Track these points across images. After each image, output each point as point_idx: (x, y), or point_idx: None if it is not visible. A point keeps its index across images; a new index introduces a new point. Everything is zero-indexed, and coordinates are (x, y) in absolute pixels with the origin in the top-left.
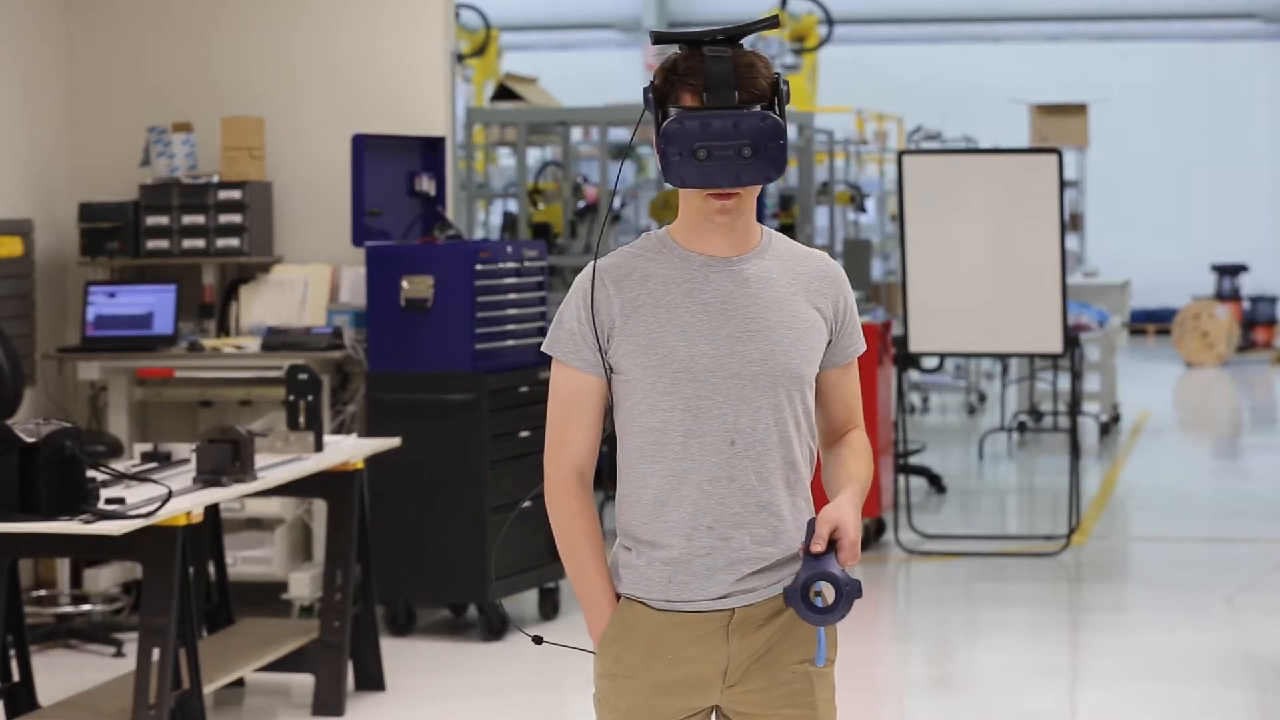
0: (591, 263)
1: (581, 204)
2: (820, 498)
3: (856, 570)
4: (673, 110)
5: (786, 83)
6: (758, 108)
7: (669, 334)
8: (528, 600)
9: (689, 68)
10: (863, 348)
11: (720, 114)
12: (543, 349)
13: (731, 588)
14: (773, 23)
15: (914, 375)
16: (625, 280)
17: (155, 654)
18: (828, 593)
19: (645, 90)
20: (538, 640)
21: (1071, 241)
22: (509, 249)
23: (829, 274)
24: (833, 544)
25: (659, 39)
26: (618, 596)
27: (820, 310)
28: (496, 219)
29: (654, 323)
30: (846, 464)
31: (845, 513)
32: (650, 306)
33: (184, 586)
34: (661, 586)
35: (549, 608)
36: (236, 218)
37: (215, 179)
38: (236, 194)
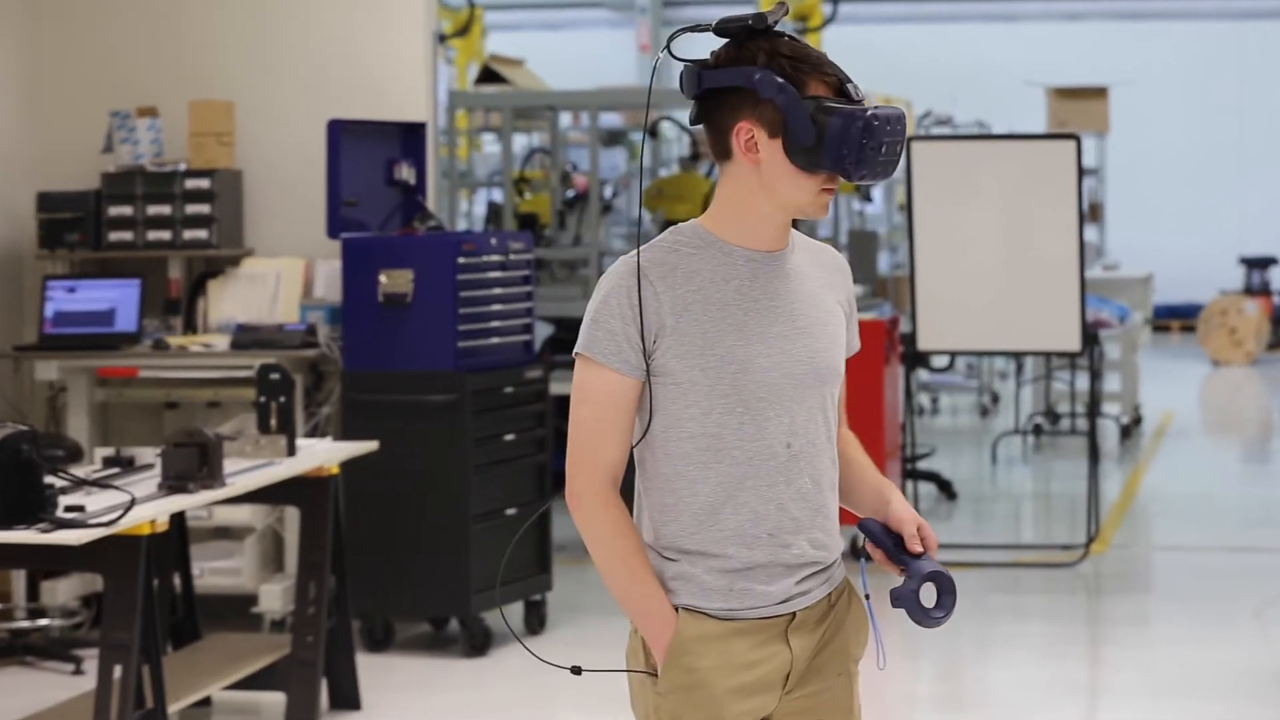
0: (628, 258)
1: (570, 193)
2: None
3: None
4: (815, 100)
5: None
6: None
7: (725, 333)
8: (512, 614)
9: (812, 57)
10: (858, 345)
11: (887, 109)
12: (579, 350)
13: (792, 591)
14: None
15: (923, 375)
16: (670, 276)
17: (117, 671)
18: (931, 593)
19: (763, 79)
20: (576, 670)
21: (1090, 233)
22: (493, 241)
23: (841, 266)
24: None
25: (723, 31)
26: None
27: (840, 304)
28: (480, 209)
29: (707, 321)
30: (865, 464)
31: (914, 512)
32: (701, 305)
33: (148, 600)
34: (722, 595)
35: (535, 621)
36: (204, 208)
37: (182, 167)
38: (204, 183)
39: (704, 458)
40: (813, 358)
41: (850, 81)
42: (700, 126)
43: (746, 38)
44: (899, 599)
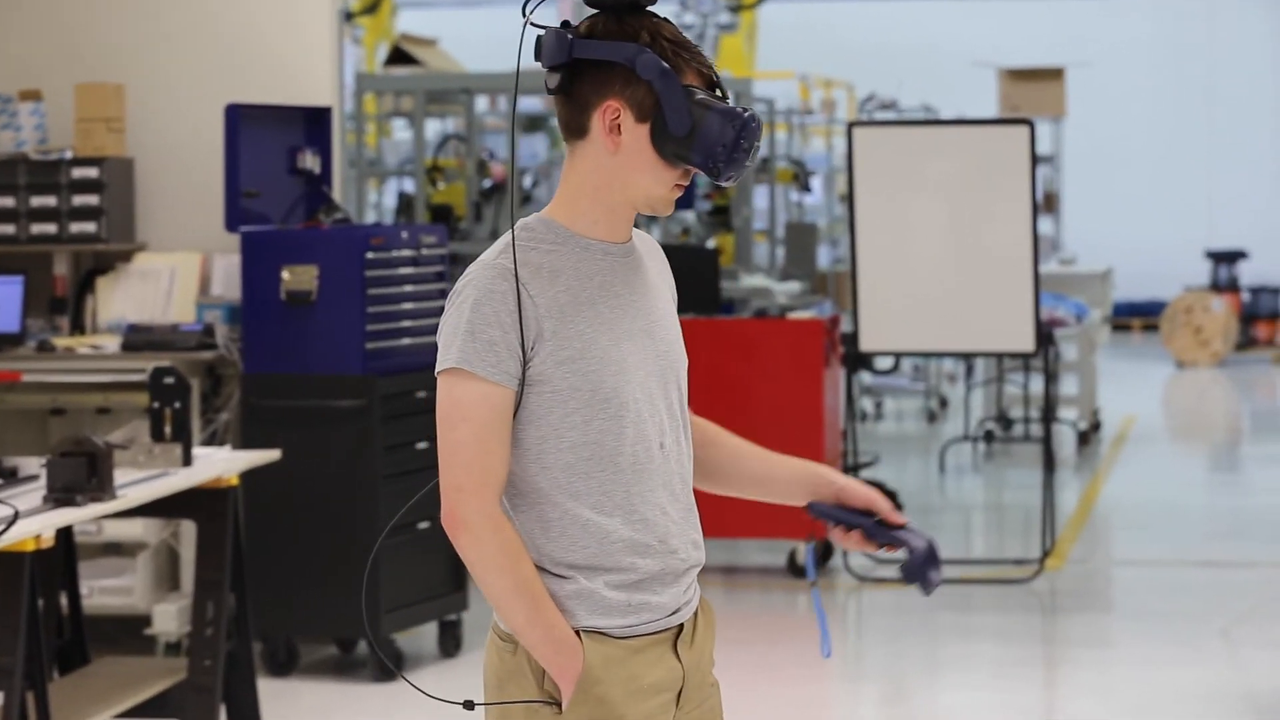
0: (490, 261)
1: (487, 183)
2: None
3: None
4: (693, 92)
5: None
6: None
7: (598, 334)
8: (426, 635)
9: (685, 43)
10: None
11: (750, 108)
12: (453, 365)
13: (680, 600)
14: None
15: (866, 378)
16: (538, 278)
17: None
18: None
19: (644, 59)
20: (469, 705)
21: (1045, 225)
22: (404, 234)
23: (663, 255)
24: (869, 514)
25: (595, 3)
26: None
27: (671, 293)
28: (391, 200)
29: (581, 323)
30: (766, 451)
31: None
32: (572, 305)
33: (32, 621)
34: (621, 612)
35: (450, 644)
36: (93, 199)
37: (68, 155)
38: (93, 172)
39: (587, 467)
40: (667, 351)
41: (719, 77)
42: (553, 96)
43: (627, 12)
44: (913, 571)
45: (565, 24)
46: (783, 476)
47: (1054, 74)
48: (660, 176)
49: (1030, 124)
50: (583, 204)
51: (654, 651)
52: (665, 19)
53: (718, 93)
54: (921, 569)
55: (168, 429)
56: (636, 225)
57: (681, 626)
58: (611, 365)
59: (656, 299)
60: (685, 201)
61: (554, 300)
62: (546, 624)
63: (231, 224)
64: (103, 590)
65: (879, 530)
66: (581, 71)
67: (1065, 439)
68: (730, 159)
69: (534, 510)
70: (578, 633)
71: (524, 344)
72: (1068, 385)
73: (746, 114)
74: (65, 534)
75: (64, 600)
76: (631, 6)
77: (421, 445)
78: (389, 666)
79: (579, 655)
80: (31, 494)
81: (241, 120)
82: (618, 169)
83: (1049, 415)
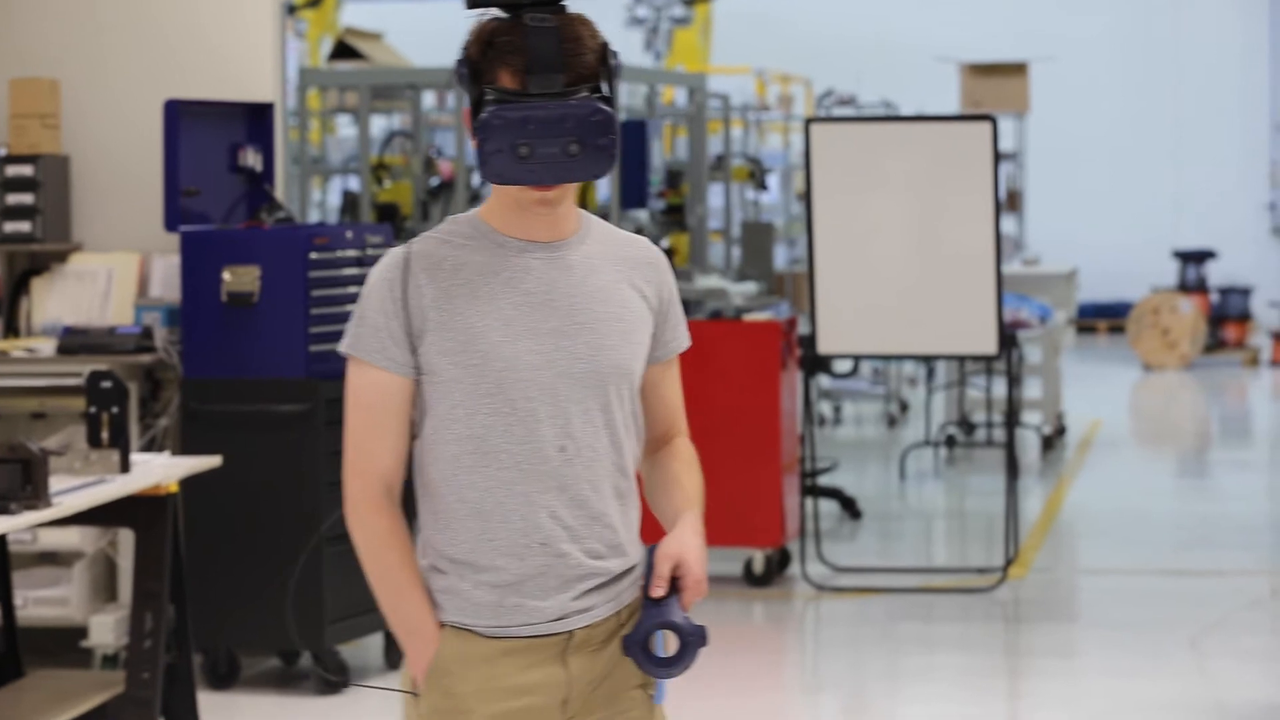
0: (394, 250)
1: (435, 181)
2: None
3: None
4: (489, 91)
5: (616, 54)
6: (585, 92)
7: (489, 329)
8: (371, 646)
9: (509, 42)
10: (686, 343)
11: (544, 105)
12: (341, 349)
13: (568, 607)
14: None
15: (824, 381)
16: (436, 269)
17: None
18: (670, 642)
19: (459, 63)
20: (347, 684)
21: (1008, 224)
22: (349, 234)
23: (652, 260)
24: (675, 582)
25: (475, 2)
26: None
27: (646, 299)
28: (335, 199)
29: (473, 316)
30: (680, 480)
31: (688, 545)
32: (466, 298)
33: None
34: (491, 611)
35: (396, 655)
36: (27, 198)
37: (1, 152)
38: (27, 169)
39: (470, 461)
40: (594, 355)
41: (549, 71)
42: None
43: (505, 12)
44: (624, 646)
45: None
46: (664, 509)
47: (1017, 69)
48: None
49: (993, 120)
50: (497, 203)
51: (529, 655)
52: (521, 20)
53: (530, 87)
54: (634, 647)
55: (105, 434)
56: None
57: (573, 634)
58: (499, 361)
59: (598, 302)
60: (637, 199)
61: (444, 292)
62: (404, 612)
63: (171, 223)
64: (37, 601)
65: (646, 592)
66: None
67: (1029, 444)
68: (483, 160)
69: (429, 501)
70: (443, 626)
71: (409, 332)
72: (1031, 389)
73: (484, 113)
74: None
75: None
76: (472, 4)
77: None
78: (330, 679)
79: (431, 644)
80: None
81: (181, 116)
82: None
83: (1012, 420)
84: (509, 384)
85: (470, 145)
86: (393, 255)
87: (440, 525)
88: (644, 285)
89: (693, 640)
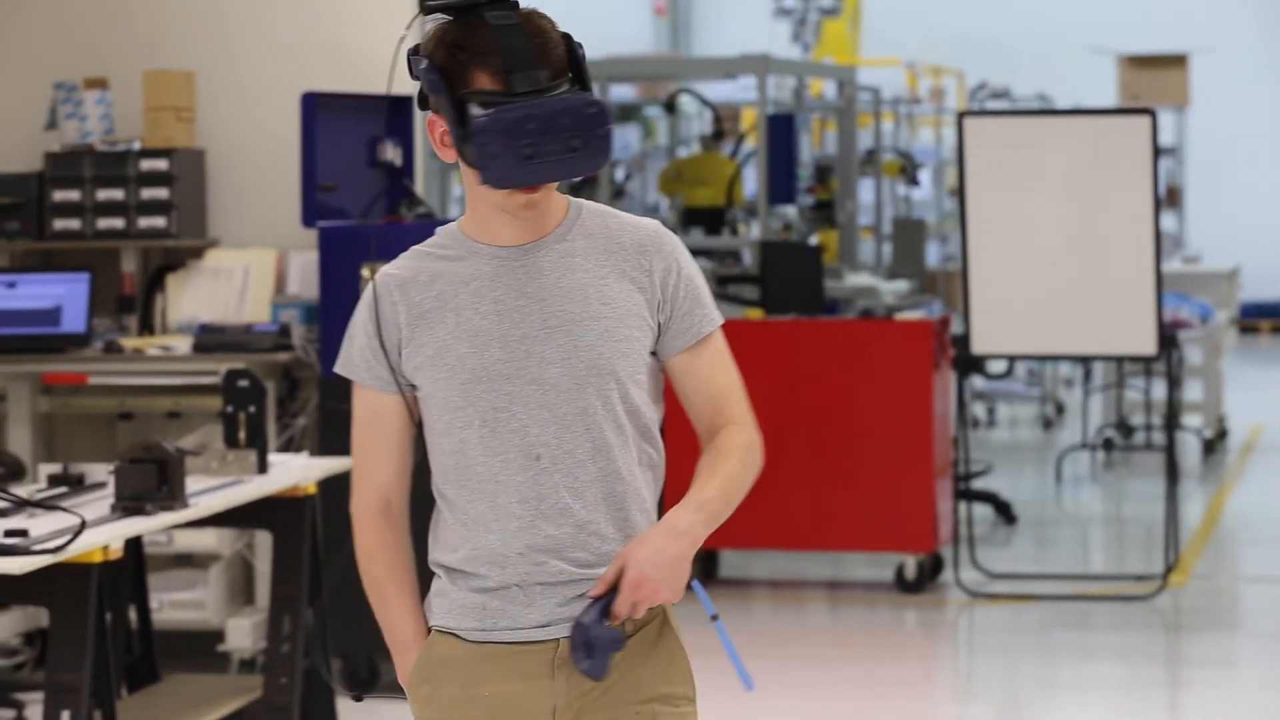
0: (385, 267)
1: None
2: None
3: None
4: (470, 96)
5: (580, 44)
6: (566, 85)
7: (457, 340)
8: None
9: (478, 43)
10: (714, 323)
11: (539, 103)
12: (335, 369)
13: (554, 614)
14: None
15: (978, 382)
16: (410, 284)
17: (65, 717)
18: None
19: (424, 70)
20: (358, 698)
21: (1168, 220)
22: None
23: (649, 243)
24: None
25: (430, 9)
26: (429, 632)
27: (642, 289)
28: None
29: (441, 329)
30: (700, 475)
31: (635, 551)
32: (436, 311)
33: (99, 636)
34: (475, 614)
35: None
36: (162, 192)
37: (136, 146)
38: (162, 164)
39: (456, 474)
40: (567, 358)
41: (529, 68)
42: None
43: (460, 14)
44: (572, 639)
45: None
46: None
47: (1177, 60)
48: (483, 188)
49: (1152, 114)
50: (470, 209)
51: (513, 661)
52: (482, 19)
53: (516, 87)
54: (574, 641)
55: (242, 434)
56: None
57: (559, 643)
58: (465, 373)
59: (575, 301)
60: (785, 195)
61: (416, 306)
62: (388, 623)
63: (308, 219)
64: (173, 604)
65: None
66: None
67: (1189, 448)
68: (485, 166)
69: (435, 510)
70: (433, 629)
71: (385, 350)
72: (1192, 391)
73: (483, 116)
74: (134, 545)
75: (133, 614)
76: (428, 9)
77: None
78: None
79: (410, 653)
80: (99, 502)
81: (319, 109)
82: (468, 176)
83: (1172, 422)
84: (477, 395)
85: (435, 154)
86: (379, 275)
87: (440, 534)
88: (637, 274)
89: (598, 644)
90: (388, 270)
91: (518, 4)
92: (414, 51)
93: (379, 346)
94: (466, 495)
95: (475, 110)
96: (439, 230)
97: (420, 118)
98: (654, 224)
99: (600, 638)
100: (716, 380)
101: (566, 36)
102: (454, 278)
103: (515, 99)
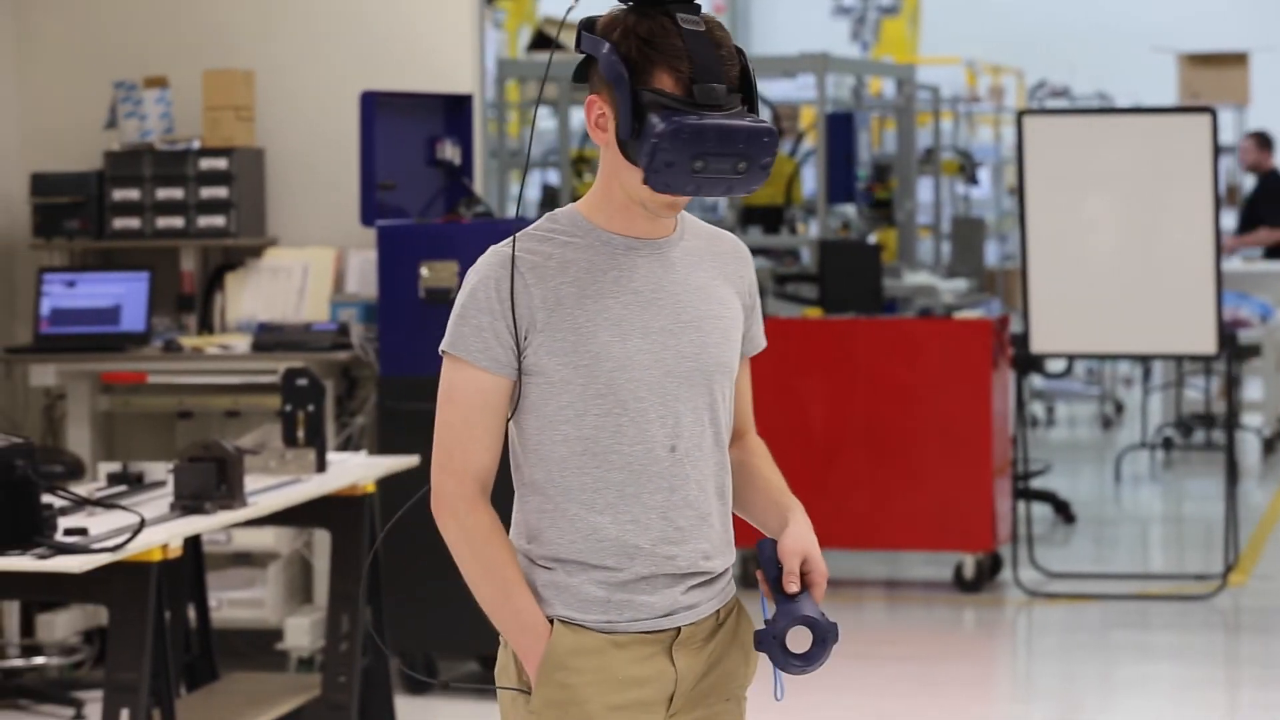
0: (498, 248)
1: None
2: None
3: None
4: (649, 94)
5: (752, 63)
6: (738, 105)
7: (600, 329)
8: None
9: (669, 44)
10: (763, 343)
11: (720, 119)
12: (443, 348)
13: (677, 603)
14: None
15: (1037, 381)
16: (542, 268)
17: (124, 716)
18: (803, 637)
19: (606, 54)
20: (445, 685)
21: (1228, 219)
22: None
23: (740, 254)
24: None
25: None
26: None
27: (739, 295)
28: (534, 192)
29: (581, 316)
30: (768, 477)
31: (810, 542)
32: (575, 298)
33: (158, 635)
34: (600, 607)
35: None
36: (221, 191)
37: (195, 145)
38: (221, 163)
39: (580, 462)
40: (699, 354)
41: (712, 81)
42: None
43: (647, 5)
44: (760, 641)
45: (591, 16)
46: (761, 505)
47: (1237, 59)
48: (636, 177)
49: (1212, 112)
50: (602, 198)
51: (639, 649)
52: (671, 18)
53: (700, 98)
54: (772, 642)
55: (301, 433)
56: (786, 218)
57: (679, 631)
58: (610, 361)
59: (700, 300)
60: (844, 194)
61: (553, 292)
62: (514, 608)
63: (367, 218)
64: (232, 602)
65: (775, 586)
66: (589, 64)
67: (1249, 447)
68: (652, 167)
69: (532, 500)
70: (551, 621)
71: (515, 333)
72: (1252, 390)
73: (663, 124)
74: (193, 543)
75: (192, 613)
76: (655, 1)
77: None
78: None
79: (543, 639)
80: (158, 501)
81: (377, 108)
82: (615, 165)
83: (1232, 422)
84: (620, 384)
85: (594, 140)
86: (497, 254)
87: (547, 524)
88: (736, 280)
89: (828, 636)
90: (515, 252)
91: (700, 7)
92: (587, 28)
93: (505, 329)
94: (593, 484)
95: (655, 117)
96: (554, 215)
97: (479, 117)
98: (735, 237)
99: (829, 630)
100: (747, 391)
101: (741, 53)
102: (590, 265)
103: (696, 109)
